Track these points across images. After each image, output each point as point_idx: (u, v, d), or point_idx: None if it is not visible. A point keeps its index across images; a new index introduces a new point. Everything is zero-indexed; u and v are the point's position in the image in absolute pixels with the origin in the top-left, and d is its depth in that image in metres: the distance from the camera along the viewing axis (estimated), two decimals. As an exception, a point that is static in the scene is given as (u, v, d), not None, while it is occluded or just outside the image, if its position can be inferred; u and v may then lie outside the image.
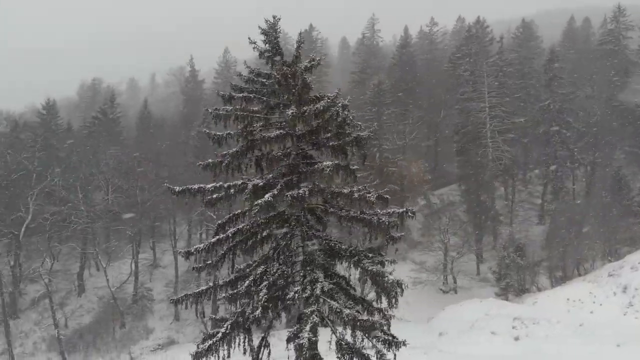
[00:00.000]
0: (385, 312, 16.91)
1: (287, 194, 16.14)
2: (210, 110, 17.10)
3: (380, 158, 60.08)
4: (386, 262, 17.06)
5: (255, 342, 17.89)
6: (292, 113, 16.16)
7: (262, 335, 18.07)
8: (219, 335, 16.64)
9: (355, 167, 17.32)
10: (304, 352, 15.71)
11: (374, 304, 17.60)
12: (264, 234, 17.55)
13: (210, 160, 17.60)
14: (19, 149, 63.51)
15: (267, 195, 15.93)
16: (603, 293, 40.00)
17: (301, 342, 15.69)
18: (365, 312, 17.03)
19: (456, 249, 52.90)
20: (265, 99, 17.31)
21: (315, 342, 16.37)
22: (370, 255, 17.07)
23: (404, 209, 17.24)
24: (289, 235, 17.53)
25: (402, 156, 62.78)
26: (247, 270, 17.61)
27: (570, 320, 37.81)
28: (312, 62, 16.86)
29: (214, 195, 17.36)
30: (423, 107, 74.85)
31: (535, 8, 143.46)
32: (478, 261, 55.37)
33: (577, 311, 39.04)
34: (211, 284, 17.90)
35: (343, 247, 17.63)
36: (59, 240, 60.45)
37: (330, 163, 16.32)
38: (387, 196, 17.08)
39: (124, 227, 59.82)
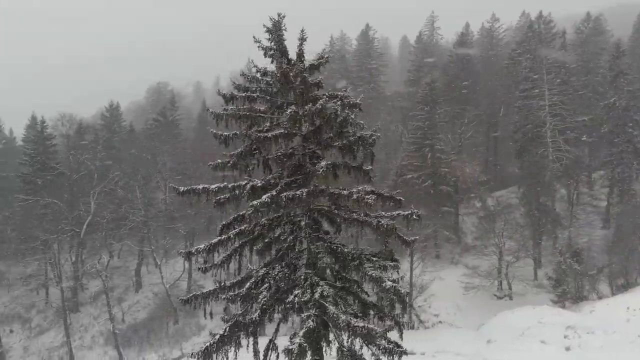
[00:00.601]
0: (397, 319, 16.25)
1: (282, 195, 15.74)
2: (210, 111, 17.00)
3: (432, 158, 58.53)
4: (390, 267, 16.34)
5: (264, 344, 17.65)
6: (291, 112, 15.81)
7: (270, 338, 17.80)
8: (217, 337, 16.52)
9: (370, 167, 16.78)
10: (293, 358, 15.25)
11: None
12: (272, 235, 17.26)
13: (219, 160, 17.53)
14: (83, 150, 66.14)
15: (264, 196, 15.66)
16: (667, 301, 37.51)
17: (291, 347, 15.27)
18: (376, 318, 16.44)
19: (512, 254, 50.79)
20: (269, 98, 17.02)
21: (319, 347, 15.95)
22: (374, 259, 16.43)
23: (409, 212, 16.50)
24: (292, 237, 17.17)
25: (456, 156, 60.94)
26: (254, 272, 17.39)
27: (630, 330, 35.46)
28: (320, 60, 16.49)
29: (222, 196, 17.23)
30: (481, 106, 72.54)
31: (607, 2, 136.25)
32: (536, 266, 52.95)
33: (637, 321, 36.63)
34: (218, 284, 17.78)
35: (346, 250, 17.08)
36: (118, 238, 62.59)
37: (325, 163, 15.86)
38: (400, 198, 16.42)
39: (179, 225, 61.25)
